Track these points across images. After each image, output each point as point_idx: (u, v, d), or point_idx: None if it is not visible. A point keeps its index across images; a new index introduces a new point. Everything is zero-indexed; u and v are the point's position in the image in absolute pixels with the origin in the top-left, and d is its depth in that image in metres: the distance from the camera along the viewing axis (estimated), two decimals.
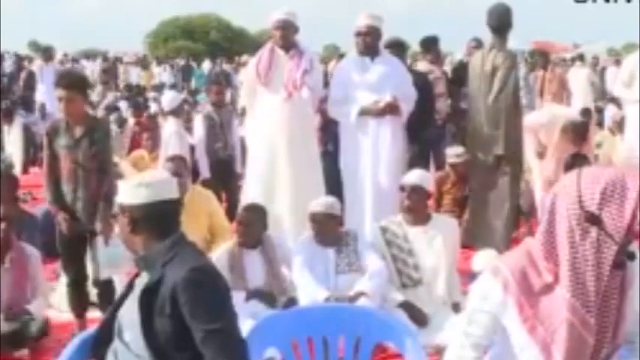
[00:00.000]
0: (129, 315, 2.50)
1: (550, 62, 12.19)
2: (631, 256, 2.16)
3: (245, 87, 5.93)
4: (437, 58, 7.88)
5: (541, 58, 11.87)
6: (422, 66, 7.63)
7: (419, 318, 4.31)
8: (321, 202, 4.60)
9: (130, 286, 2.61)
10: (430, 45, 7.89)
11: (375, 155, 5.49)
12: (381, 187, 5.49)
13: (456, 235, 4.72)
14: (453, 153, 6.89)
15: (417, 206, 4.56)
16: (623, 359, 2.34)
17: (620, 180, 2.10)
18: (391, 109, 5.48)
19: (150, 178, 2.56)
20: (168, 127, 7.38)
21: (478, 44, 7.79)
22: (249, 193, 5.73)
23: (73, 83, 4.52)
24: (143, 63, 22.84)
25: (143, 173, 2.66)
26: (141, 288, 2.49)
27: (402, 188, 4.62)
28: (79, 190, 4.52)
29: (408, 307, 4.35)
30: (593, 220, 2.10)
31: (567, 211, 2.13)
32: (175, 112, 7.46)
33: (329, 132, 7.37)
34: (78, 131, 4.51)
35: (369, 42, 5.49)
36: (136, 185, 2.52)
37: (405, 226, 4.57)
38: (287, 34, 5.52)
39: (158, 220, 2.52)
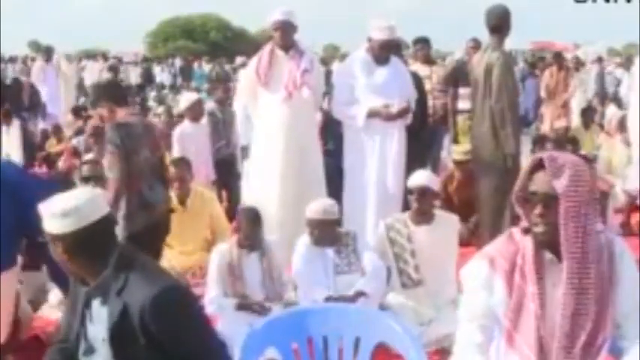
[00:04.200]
0: (98, 339, 2.43)
1: (564, 62, 12.08)
2: (526, 231, 2.37)
3: (245, 89, 5.86)
4: (426, 58, 7.89)
5: (556, 58, 11.78)
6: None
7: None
8: (318, 207, 4.46)
9: (86, 303, 2.48)
10: (418, 45, 7.93)
11: (382, 156, 5.47)
12: (386, 188, 5.47)
13: (457, 231, 4.70)
14: (460, 150, 6.74)
15: (425, 208, 4.55)
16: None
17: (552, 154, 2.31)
18: (404, 113, 5.50)
19: (74, 203, 2.37)
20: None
21: (477, 44, 7.79)
22: (250, 193, 5.70)
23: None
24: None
25: (65, 196, 2.43)
26: (106, 326, 2.39)
27: (410, 191, 4.57)
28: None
29: None
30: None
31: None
32: (187, 113, 7.02)
33: (330, 131, 7.36)
34: None
35: (386, 54, 5.53)
36: (60, 215, 2.36)
37: (411, 225, 4.56)
38: (287, 35, 5.50)
39: (93, 242, 2.39)
